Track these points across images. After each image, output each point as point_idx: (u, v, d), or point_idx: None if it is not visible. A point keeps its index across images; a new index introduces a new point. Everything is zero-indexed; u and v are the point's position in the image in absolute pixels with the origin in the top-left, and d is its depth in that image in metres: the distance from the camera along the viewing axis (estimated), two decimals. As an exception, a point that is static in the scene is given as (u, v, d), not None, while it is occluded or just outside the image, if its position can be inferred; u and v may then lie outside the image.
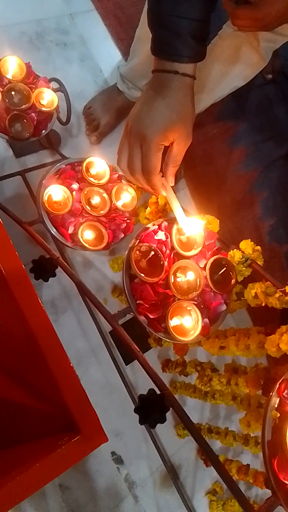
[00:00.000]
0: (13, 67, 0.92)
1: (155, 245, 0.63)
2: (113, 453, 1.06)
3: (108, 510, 1.01)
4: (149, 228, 0.65)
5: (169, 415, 0.49)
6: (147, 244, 0.62)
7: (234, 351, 0.77)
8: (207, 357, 1.00)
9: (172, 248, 0.65)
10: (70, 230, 0.79)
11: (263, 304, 0.69)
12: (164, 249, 0.64)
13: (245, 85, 1.06)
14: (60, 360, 0.56)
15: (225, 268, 0.67)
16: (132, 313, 0.61)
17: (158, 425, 0.49)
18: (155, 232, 0.65)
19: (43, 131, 0.96)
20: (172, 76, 0.55)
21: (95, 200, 0.82)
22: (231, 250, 0.70)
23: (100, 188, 0.83)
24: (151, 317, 0.60)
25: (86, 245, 0.78)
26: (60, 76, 1.06)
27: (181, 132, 0.58)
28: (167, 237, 0.65)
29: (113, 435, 1.08)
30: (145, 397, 0.49)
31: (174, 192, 0.63)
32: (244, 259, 0.70)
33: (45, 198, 0.78)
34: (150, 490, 1.08)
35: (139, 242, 0.63)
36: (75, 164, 0.85)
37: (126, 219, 0.84)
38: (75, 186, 0.81)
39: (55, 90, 0.98)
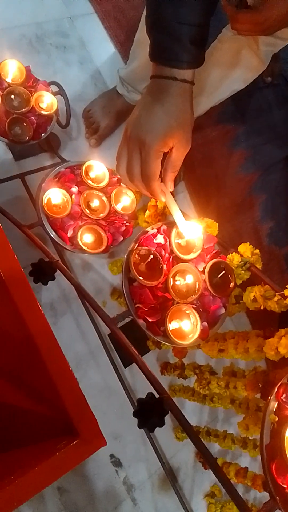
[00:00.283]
0: (13, 70, 0.93)
1: (154, 249, 0.63)
2: (111, 456, 1.06)
3: (106, 513, 1.01)
4: (148, 231, 0.65)
5: (167, 418, 0.49)
6: (146, 247, 0.63)
7: (233, 354, 0.77)
8: (206, 360, 1.00)
9: (171, 251, 0.65)
10: (69, 233, 0.79)
11: (262, 308, 0.69)
12: (163, 252, 0.64)
13: (245, 88, 1.06)
14: (58, 364, 0.56)
15: (224, 272, 0.67)
16: (131, 317, 0.61)
17: (157, 428, 0.49)
18: (154, 235, 0.65)
19: (43, 134, 0.96)
20: (170, 82, 0.56)
21: (95, 203, 0.82)
22: (230, 254, 0.71)
23: (99, 191, 0.83)
24: (150, 320, 0.60)
25: (85, 248, 0.78)
26: (59, 79, 1.06)
27: (180, 138, 0.58)
28: (166, 241, 0.65)
29: (112, 438, 1.08)
30: (144, 401, 0.49)
31: (173, 197, 0.63)
32: (243, 262, 0.70)
33: (45, 201, 0.78)
34: (148, 492, 1.08)
35: (138, 246, 0.63)
36: (75, 167, 0.85)
37: (125, 222, 0.85)
38: (74, 189, 0.81)
39: (54, 94, 0.99)
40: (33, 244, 0.75)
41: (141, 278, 0.60)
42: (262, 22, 0.71)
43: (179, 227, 0.64)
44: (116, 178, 0.86)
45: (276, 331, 0.71)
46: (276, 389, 0.53)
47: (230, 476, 0.90)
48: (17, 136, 0.93)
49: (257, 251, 0.71)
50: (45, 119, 0.96)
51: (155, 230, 0.66)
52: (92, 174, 0.85)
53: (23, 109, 0.92)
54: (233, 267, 0.69)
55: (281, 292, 0.67)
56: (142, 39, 1.07)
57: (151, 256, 0.62)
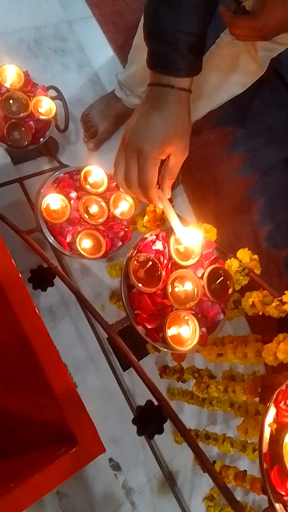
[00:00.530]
0: (11, 75, 0.93)
1: (153, 255, 0.64)
2: (110, 460, 1.06)
3: (105, 517, 1.01)
4: (147, 238, 0.65)
5: (167, 421, 0.49)
6: (145, 254, 0.63)
7: (231, 359, 0.78)
8: (205, 363, 1.00)
9: (170, 257, 0.65)
10: (68, 239, 0.79)
11: (260, 313, 0.69)
12: (162, 259, 0.64)
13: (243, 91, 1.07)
14: (57, 370, 0.56)
15: (222, 278, 0.67)
16: (130, 323, 0.61)
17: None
18: (153, 242, 0.65)
19: (41, 139, 0.96)
20: (168, 90, 0.56)
21: (93, 208, 0.83)
22: (229, 259, 0.71)
23: (98, 197, 0.83)
24: (149, 327, 0.60)
25: (84, 254, 0.78)
26: (58, 82, 1.07)
27: (178, 145, 0.58)
28: (164, 247, 0.65)
29: (111, 442, 1.08)
30: (143, 408, 0.50)
31: (171, 203, 0.63)
32: (241, 268, 0.70)
33: (43, 206, 0.78)
34: (147, 496, 1.08)
35: (137, 252, 0.63)
36: (73, 172, 0.85)
37: (124, 227, 0.85)
38: (73, 194, 0.81)
39: (53, 98, 0.99)
40: (31, 249, 0.76)
41: (140, 284, 0.60)
42: (260, 28, 0.71)
43: (177, 233, 0.65)
44: (115, 183, 0.87)
45: (274, 336, 0.71)
46: (274, 396, 0.54)
47: (229, 479, 0.90)
48: (16, 141, 0.93)
49: (256, 256, 0.71)
50: (44, 124, 0.97)
51: (154, 237, 0.66)
52: (90, 179, 0.85)
53: (22, 114, 0.92)
54: (232, 273, 0.69)
55: (279, 298, 0.68)
56: (140, 44, 1.07)
57: (150, 263, 0.63)
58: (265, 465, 0.50)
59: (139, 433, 0.48)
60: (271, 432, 0.52)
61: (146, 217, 0.85)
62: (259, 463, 0.51)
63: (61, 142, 1.20)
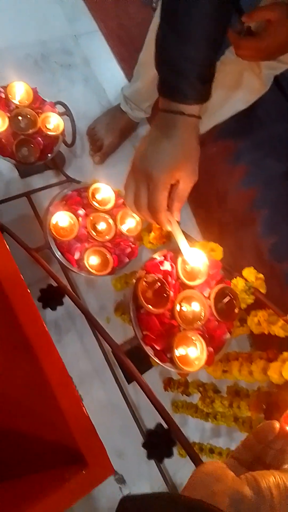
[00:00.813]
0: (20, 92, 0.94)
1: (161, 276, 0.65)
2: (115, 473, 1.07)
3: (110, 530, 1.01)
4: (155, 258, 0.66)
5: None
6: (153, 275, 0.64)
7: (236, 376, 0.78)
8: (209, 377, 1.00)
9: (178, 278, 0.66)
10: (76, 256, 0.80)
11: (266, 332, 0.70)
12: (169, 279, 0.65)
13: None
14: (67, 392, 0.56)
15: (229, 297, 0.68)
16: (138, 343, 0.62)
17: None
18: (161, 263, 0.66)
19: (49, 155, 0.98)
20: (178, 116, 0.57)
21: (101, 225, 0.84)
22: (234, 278, 0.72)
23: (105, 214, 0.84)
24: (158, 348, 0.61)
25: (92, 271, 0.79)
26: (64, 96, 1.08)
27: (187, 170, 0.59)
28: (172, 268, 0.66)
29: (115, 455, 1.08)
30: (152, 432, 0.50)
31: (179, 225, 0.65)
32: (247, 287, 0.71)
33: (52, 224, 0.79)
34: (152, 509, 1.08)
35: (145, 273, 0.64)
36: (81, 190, 0.86)
37: (130, 243, 0.86)
38: (81, 212, 0.82)
39: (60, 114, 1.00)
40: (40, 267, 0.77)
41: (149, 306, 0.61)
42: (264, 49, 0.73)
43: (185, 255, 0.66)
44: (122, 200, 0.88)
45: (279, 353, 0.72)
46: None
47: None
48: (24, 157, 0.94)
49: (261, 275, 0.72)
50: (52, 140, 0.98)
51: (162, 257, 0.67)
52: (98, 197, 0.86)
53: (30, 130, 0.93)
54: (238, 292, 0.70)
55: (285, 317, 0.68)
56: (146, 59, 1.09)
57: (158, 284, 0.63)
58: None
59: (149, 457, 0.48)
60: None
61: (152, 234, 0.86)
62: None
63: (68, 156, 1.21)
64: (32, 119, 0.94)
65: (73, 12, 1.36)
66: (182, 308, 0.65)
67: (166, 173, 0.58)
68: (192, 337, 0.63)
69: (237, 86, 1.00)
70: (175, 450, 1.03)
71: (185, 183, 0.60)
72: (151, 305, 0.62)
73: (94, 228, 0.83)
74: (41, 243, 0.82)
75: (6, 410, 0.65)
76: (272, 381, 0.70)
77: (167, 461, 1.12)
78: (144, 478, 1.09)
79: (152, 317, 0.61)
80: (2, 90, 0.93)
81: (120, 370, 1.14)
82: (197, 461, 0.46)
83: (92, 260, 0.81)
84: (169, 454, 0.50)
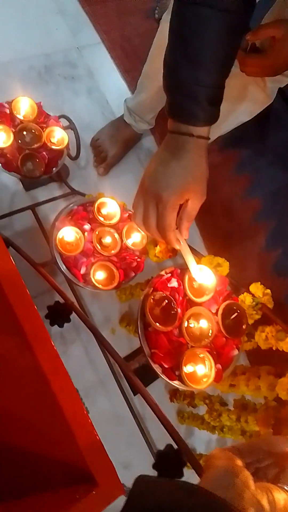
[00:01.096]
0: (25, 107, 0.95)
1: (168, 293, 0.65)
2: (122, 485, 1.06)
3: None
4: (163, 276, 0.66)
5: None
6: (161, 292, 0.64)
7: (244, 391, 0.78)
8: (215, 389, 1.00)
9: (185, 295, 0.66)
10: (82, 271, 0.80)
11: (274, 348, 0.70)
12: (177, 296, 0.65)
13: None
14: (76, 411, 0.56)
15: (236, 313, 0.68)
16: (146, 361, 0.62)
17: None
18: (168, 280, 0.66)
19: (54, 169, 0.98)
20: (187, 138, 0.57)
21: (107, 239, 0.84)
22: (242, 294, 0.72)
23: (111, 228, 0.85)
24: (166, 366, 0.61)
25: (98, 286, 0.79)
26: (68, 108, 1.09)
27: (196, 191, 0.59)
28: (180, 285, 0.66)
29: (122, 467, 1.08)
30: (162, 453, 0.50)
31: (188, 244, 0.65)
32: (254, 303, 0.71)
33: (58, 239, 0.80)
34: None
35: (153, 291, 0.64)
36: (87, 204, 0.86)
37: (136, 257, 0.86)
38: (87, 226, 0.83)
39: (65, 128, 1.01)
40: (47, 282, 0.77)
41: (157, 324, 0.61)
42: (270, 66, 0.73)
43: (192, 273, 0.66)
44: (127, 214, 0.88)
45: (286, 369, 0.72)
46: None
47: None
48: (29, 171, 0.94)
49: (268, 291, 0.72)
50: (56, 154, 0.98)
51: (169, 274, 0.67)
52: (104, 211, 0.86)
53: (35, 145, 0.94)
54: (245, 308, 0.70)
55: (293, 333, 0.68)
56: (149, 72, 1.10)
57: (166, 301, 0.63)
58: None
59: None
60: None
61: (158, 248, 0.86)
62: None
63: (72, 167, 1.22)
64: (37, 134, 0.95)
65: (76, 24, 1.37)
66: (189, 325, 0.65)
67: (176, 195, 0.58)
68: (200, 355, 0.63)
69: (241, 99, 1.01)
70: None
71: (194, 203, 0.61)
72: (159, 323, 0.62)
73: (100, 243, 0.83)
74: (47, 258, 0.82)
75: (14, 428, 0.65)
76: (281, 397, 0.70)
77: (173, 473, 1.12)
78: (150, 491, 1.08)
79: (160, 335, 0.62)
80: (6, 105, 0.94)
81: (125, 381, 1.14)
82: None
83: (99, 275, 0.81)
84: (180, 476, 0.50)
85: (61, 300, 0.70)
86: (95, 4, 1.43)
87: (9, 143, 0.91)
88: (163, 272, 0.67)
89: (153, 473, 0.56)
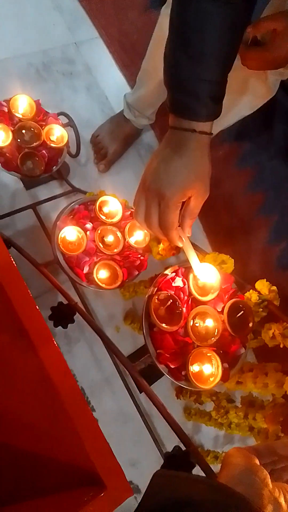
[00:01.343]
0: (23, 105, 0.94)
1: (173, 292, 0.64)
2: (130, 483, 1.06)
3: None
4: (167, 275, 0.66)
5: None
6: (166, 292, 0.63)
7: (251, 388, 0.77)
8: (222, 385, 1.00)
9: (190, 293, 0.65)
10: (85, 270, 0.79)
11: (282, 346, 0.69)
12: (182, 295, 0.64)
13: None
14: (82, 414, 0.56)
15: (242, 311, 0.67)
16: (152, 362, 0.61)
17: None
18: (173, 279, 0.65)
19: (54, 167, 0.97)
20: (189, 134, 0.56)
21: (109, 238, 0.83)
22: (247, 292, 0.71)
23: (113, 227, 0.84)
24: (172, 366, 0.60)
25: (102, 285, 0.78)
26: (67, 105, 1.07)
27: (199, 188, 0.58)
28: (184, 284, 0.65)
29: (129, 465, 1.08)
30: (170, 454, 0.50)
31: (191, 241, 0.64)
32: (260, 300, 0.70)
33: (60, 239, 0.79)
34: (167, 519, 1.07)
35: (157, 290, 0.63)
36: (88, 203, 0.86)
37: (139, 256, 0.85)
38: (89, 225, 0.82)
39: (64, 125, 0.99)
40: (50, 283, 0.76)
41: (163, 324, 0.60)
42: (271, 60, 0.72)
43: (196, 272, 0.65)
44: (129, 212, 0.87)
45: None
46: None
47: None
48: (29, 170, 0.93)
49: (274, 288, 0.71)
50: (56, 152, 0.97)
51: (173, 274, 0.66)
52: (105, 209, 0.85)
53: (34, 143, 0.93)
54: (251, 305, 0.69)
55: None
56: (148, 67, 1.08)
57: (170, 300, 0.63)
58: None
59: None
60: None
61: (161, 245, 0.85)
62: None
63: (72, 165, 1.21)
64: (36, 132, 0.94)
65: (73, 20, 1.35)
66: (195, 324, 0.64)
67: (178, 193, 0.57)
68: (207, 354, 0.62)
69: (243, 92, 0.99)
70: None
71: (197, 200, 0.59)
72: (164, 323, 0.61)
73: (102, 242, 0.82)
74: (49, 257, 0.81)
75: (21, 432, 0.64)
76: (289, 394, 0.69)
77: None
78: (158, 488, 1.08)
79: (166, 335, 0.61)
80: (5, 104, 0.92)
81: (131, 379, 1.14)
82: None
83: (102, 274, 0.80)
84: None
85: (65, 301, 0.70)
86: (92, -2, 1.41)
87: (8, 142, 0.90)
88: (167, 271, 0.66)
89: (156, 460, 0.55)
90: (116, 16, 1.40)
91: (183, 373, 0.61)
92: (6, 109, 0.92)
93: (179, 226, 0.62)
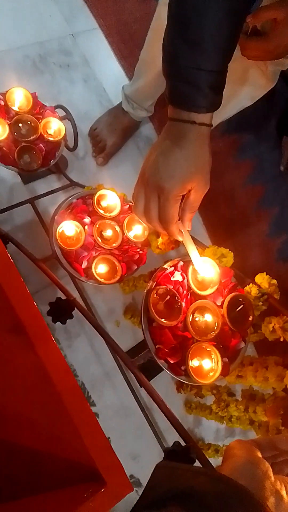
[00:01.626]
0: (19, 98, 0.92)
1: (172, 287, 0.63)
2: (131, 477, 1.06)
3: (128, 534, 1.01)
4: (166, 269, 0.65)
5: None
6: (165, 286, 0.62)
7: (252, 382, 0.77)
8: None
9: (189, 288, 0.65)
10: (84, 265, 0.79)
11: (282, 339, 0.68)
12: (181, 290, 0.64)
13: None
14: (81, 409, 0.55)
15: (242, 305, 0.66)
16: (151, 357, 0.61)
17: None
18: (172, 273, 0.64)
19: (52, 161, 0.96)
20: (189, 126, 0.55)
21: (107, 232, 0.82)
22: (247, 285, 0.70)
23: (111, 221, 0.83)
24: (171, 361, 0.60)
25: (101, 280, 0.78)
26: (64, 98, 1.05)
27: (199, 181, 0.57)
28: (183, 278, 0.65)
29: (130, 458, 1.08)
30: (170, 451, 0.49)
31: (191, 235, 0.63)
32: (260, 294, 0.69)
33: (58, 234, 0.78)
34: (168, 512, 1.08)
35: (156, 285, 0.63)
36: (86, 197, 0.85)
37: (138, 250, 0.84)
38: (87, 220, 0.81)
39: (61, 118, 0.98)
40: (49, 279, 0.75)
41: (162, 319, 0.59)
42: (271, 50, 0.71)
43: (196, 266, 0.64)
44: (128, 206, 0.86)
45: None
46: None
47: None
48: (27, 164, 0.92)
49: (274, 281, 0.71)
50: (53, 145, 0.96)
51: (172, 268, 0.65)
52: (104, 203, 0.84)
53: (31, 137, 0.92)
54: (251, 299, 0.68)
55: (300, 323, 0.67)
56: (147, 58, 1.06)
57: (169, 295, 0.62)
58: None
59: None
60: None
61: (160, 239, 0.84)
62: None
63: (70, 158, 1.19)
64: (33, 126, 0.92)
65: (70, 10, 1.33)
66: (194, 318, 0.63)
67: (178, 186, 0.56)
68: (207, 349, 0.62)
69: (242, 83, 0.98)
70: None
71: (197, 194, 0.58)
72: (163, 318, 0.61)
73: (101, 236, 0.82)
74: (48, 252, 0.81)
75: (20, 428, 0.64)
76: (289, 388, 0.69)
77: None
78: (160, 481, 1.09)
79: (165, 330, 0.60)
80: (0, 97, 0.91)
81: (131, 373, 1.14)
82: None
83: (100, 269, 0.79)
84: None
85: (63, 296, 0.69)
86: (89, -12, 1.38)
87: (5, 136, 0.89)
88: (166, 266, 0.65)
89: (157, 454, 0.55)
90: (115, 6, 1.38)
91: (182, 368, 0.61)
92: (2, 102, 0.91)
93: (179, 219, 0.61)
